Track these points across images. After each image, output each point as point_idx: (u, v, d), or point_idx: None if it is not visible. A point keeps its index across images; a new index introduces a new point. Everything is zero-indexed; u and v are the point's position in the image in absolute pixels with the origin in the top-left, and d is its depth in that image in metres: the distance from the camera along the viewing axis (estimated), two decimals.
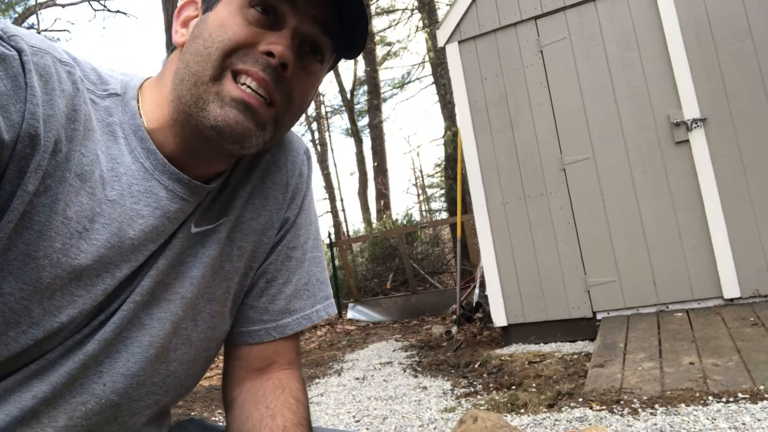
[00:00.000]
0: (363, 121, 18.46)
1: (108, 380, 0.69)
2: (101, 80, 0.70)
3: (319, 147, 19.81)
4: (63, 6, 13.78)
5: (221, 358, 0.88)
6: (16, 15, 14.18)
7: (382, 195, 16.52)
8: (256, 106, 0.66)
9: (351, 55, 0.76)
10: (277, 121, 0.71)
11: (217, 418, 3.56)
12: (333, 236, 10.84)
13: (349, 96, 17.66)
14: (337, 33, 0.71)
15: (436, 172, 20.29)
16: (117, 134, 0.69)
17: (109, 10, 13.33)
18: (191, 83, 0.67)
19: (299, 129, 20.23)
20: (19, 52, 0.57)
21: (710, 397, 2.43)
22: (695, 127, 3.89)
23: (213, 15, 0.68)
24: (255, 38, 0.66)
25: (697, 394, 2.49)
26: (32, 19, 13.84)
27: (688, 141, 3.92)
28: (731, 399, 2.38)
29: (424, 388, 3.65)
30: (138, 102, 0.72)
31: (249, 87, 0.66)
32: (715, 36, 3.88)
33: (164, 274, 0.72)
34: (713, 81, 3.87)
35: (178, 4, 0.76)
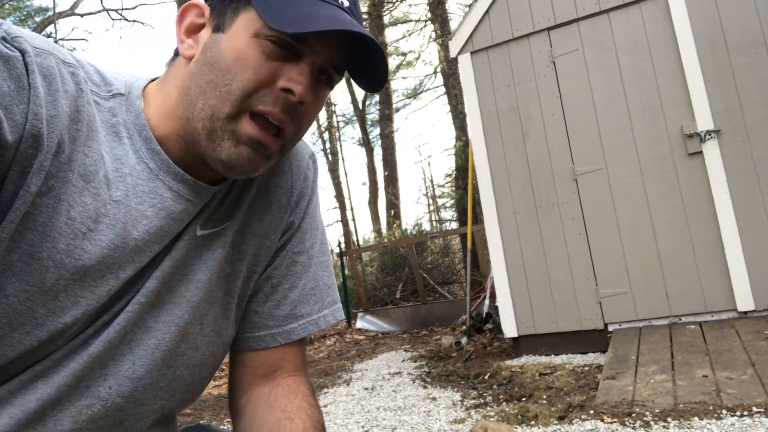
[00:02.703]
0: (374, 131, 18.54)
1: (113, 383, 0.68)
2: (105, 81, 0.70)
3: (330, 156, 19.89)
4: (81, 15, 14.00)
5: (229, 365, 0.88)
6: (35, 24, 14.42)
7: (393, 205, 16.53)
8: (268, 144, 0.67)
9: (373, 90, 0.76)
10: (283, 148, 0.71)
11: (226, 427, 3.56)
12: (343, 245, 10.85)
13: (361, 106, 17.73)
14: (348, 71, 0.72)
15: (447, 182, 20.29)
16: (121, 135, 0.68)
17: (126, 20, 13.53)
18: (207, 115, 0.66)
19: (310, 139, 20.34)
20: (23, 53, 0.56)
21: (724, 411, 2.40)
22: (709, 139, 3.86)
23: (227, 41, 0.66)
24: (274, 74, 0.65)
25: (711, 408, 2.46)
26: (50, 29, 14.08)
27: (701, 152, 3.90)
28: (745, 413, 2.35)
29: (434, 398, 3.63)
30: (142, 102, 0.72)
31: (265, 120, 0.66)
32: (729, 47, 3.86)
33: (169, 276, 0.72)
34: (727, 92, 3.85)
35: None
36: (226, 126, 0.66)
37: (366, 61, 0.70)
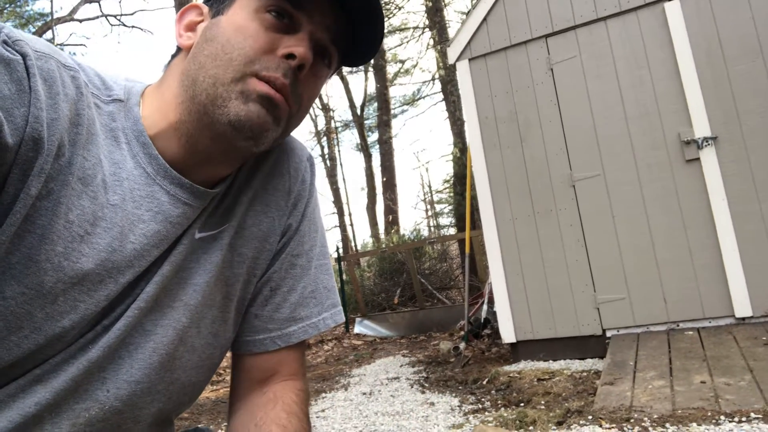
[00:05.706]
0: (373, 137, 18.57)
1: (112, 387, 0.68)
2: (105, 85, 0.71)
3: (328, 161, 19.91)
4: (80, 21, 14.02)
5: (228, 371, 0.88)
6: (34, 29, 14.44)
7: (391, 210, 16.54)
8: (278, 101, 0.68)
9: (357, 63, 0.78)
10: (289, 118, 0.72)
11: (223, 431, 3.55)
12: (341, 250, 10.84)
13: (359, 111, 17.77)
14: (345, 44, 0.74)
15: (445, 188, 20.31)
16: (120, 139, 0.69)
17: (125, 25, 13.56)
18: (208, 84, 0.67)
19: (309, 143, 20.34)
20: (24, 56, 0.57)
21: (722, 417, 2.41)
22: (706, 146, 3.89)
23: (226, 19, 0.69)
24: (273, 44, 0.67)
25: (709, 414, 2.46)
26: (48, 35, 14.09)
27: (698, 159, 3.92)
28: (743, 419, 2.36)
29: (432, 404, 3.63)
30: (141, 108, 0.72)
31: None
32: (726, 55, 3.89)
33: (168, 280, 0.72)
34: (724, 100, 3.88)
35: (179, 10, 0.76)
36: (233, 87, 0.66)
37: (362, 30, 0.73)
